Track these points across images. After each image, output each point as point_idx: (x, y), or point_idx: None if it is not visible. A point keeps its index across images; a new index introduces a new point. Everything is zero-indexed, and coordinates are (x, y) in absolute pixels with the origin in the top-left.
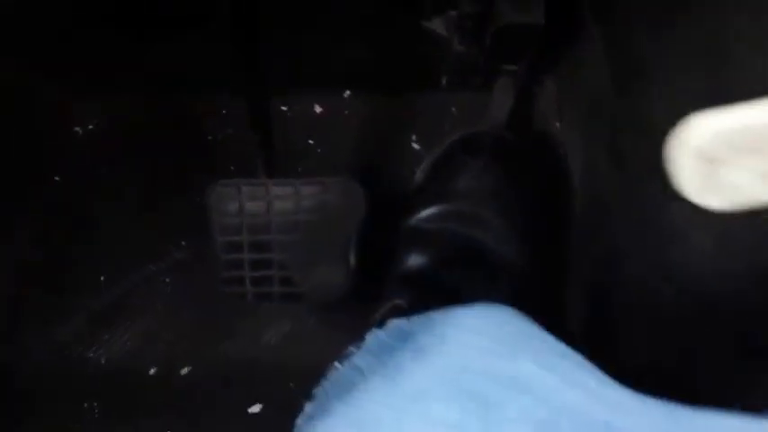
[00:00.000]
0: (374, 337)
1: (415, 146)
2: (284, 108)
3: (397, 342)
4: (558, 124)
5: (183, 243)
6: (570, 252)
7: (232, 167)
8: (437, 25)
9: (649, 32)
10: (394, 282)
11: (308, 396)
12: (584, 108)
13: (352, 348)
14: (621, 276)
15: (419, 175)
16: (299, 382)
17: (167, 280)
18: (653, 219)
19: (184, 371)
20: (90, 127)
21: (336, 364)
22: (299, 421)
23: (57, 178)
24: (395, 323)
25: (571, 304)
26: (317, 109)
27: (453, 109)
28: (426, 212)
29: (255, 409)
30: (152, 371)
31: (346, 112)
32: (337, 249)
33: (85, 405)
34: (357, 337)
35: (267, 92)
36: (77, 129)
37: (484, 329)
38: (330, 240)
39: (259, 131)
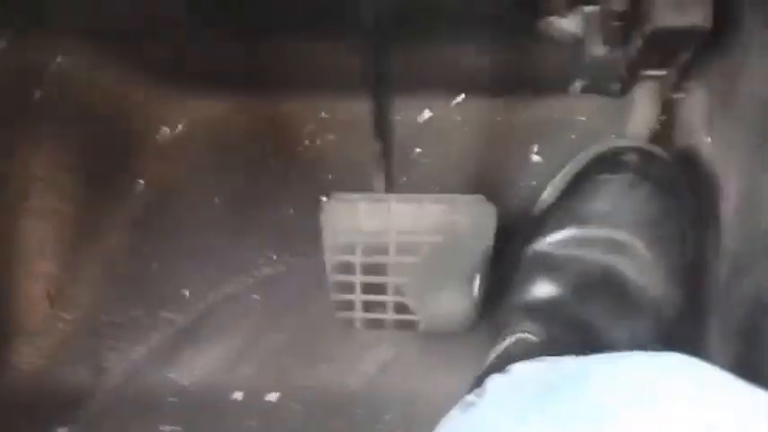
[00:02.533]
0: (501, 384)
1: (536, 158)
2: None
3: (532, 395)
4: (708, 140)
5: (274, 257)
6: (716, 294)
7: (330, 177)
8: (571, 24)
9: None
10: (516, 313)
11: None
12: (746, 123)
13: (471, 396)
14: None
15: (549, 192)
16: (397, 414)
17: (256, 297)
18: None
19: (272, 397)
20: (179, 129)
21: (453, 412)
22: None
23: (141, 181)
24: (526, 369)
25: (716, 348)
26: (427, 114)
27: (582, 118)
28: (558, 236)
29: None
30: (237, 395)
31: (459, 118)
32: (461, 276)
33: (168, 429)
34: (468, 372)
35: (391, 95)
36: (166, 130)
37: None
38: (454, 265)
39: (381, 139)
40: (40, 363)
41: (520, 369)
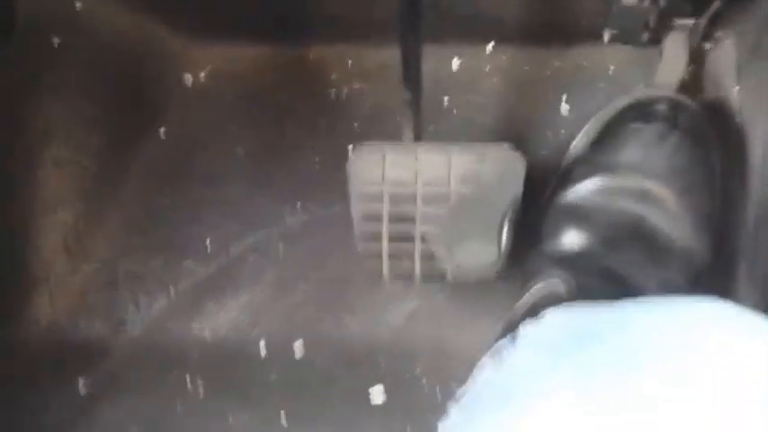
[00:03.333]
0: (533, 330)
1: (565, 108)
2: None
3: (566, 340)
4: (735, 90)
5: (299, 207)
6: (744, 240)
7: (356, 126)
8: None
9: None
10: (544, 262)
11: (434, 383)
12: None
13: (503, 342)
14: None
15: (578, 142)
16: (426, 366)
17: (281, 247)
18: None
19: (298, 348)
20: (202, 76)
21: (485, 360)
22: (440, 426)
23: (163, 130)
24: (560, 315)
25: (743, 297)
26: (456, 64)
27: (611, 67)
28: (587, 186)
29: (377, 392)
30: (262, 347)
31: (487, 68)
32: (489, 226)
33: (188, 383)
34: (496, 321)
35: (421, 42)
36: (188, 77)
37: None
38: (482, 215)
39: (410, 88)
40: (60, 314)
41: (553, 314)
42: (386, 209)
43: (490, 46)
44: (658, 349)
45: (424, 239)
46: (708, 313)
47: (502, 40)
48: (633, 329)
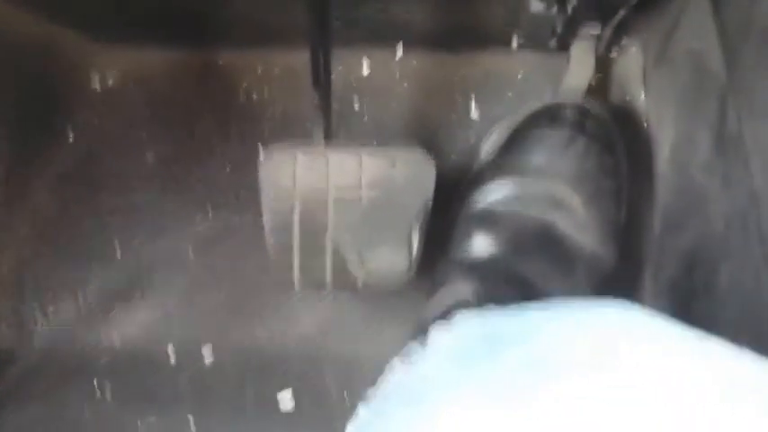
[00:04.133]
0: (444, 334)
1: (474, 113)
2: None
3: (477, 344)
4: (642, 97)
5: (210, 213)
6: (650, 246)
7: (266, 132)
8: None
9: None
10: (454, 269)
11: (342, 390)
12: (680, 79)
13: (413, 345)
14: (715, 276)
15: (487, 147)
16: (337, 373)
17: (191, 255)
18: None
19: (208, 356)
20: (110, 81)
21: (396, 362)
22: (350, 426)
23: (71, 135)
24: (470, 319)
25: (649, 302)
26: (366, 69)
27: (519, 74)
28: (496, 190)
29: (286, 399)
30: (171, 354)
31: (398, 73)
32: (400, 231)
33: (97, 389)
34: (407, 327)
35: (331, 45)
36: (96, 82)
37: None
38: (393, 220)
39: (319, 90)
40: None
41: (464, 319)
42: (297, 217)
43: (400, 50)
44: (568, 354)
45: (335, 247)
46: (617, 317)
47: (412, 44)
48: (543, 334)
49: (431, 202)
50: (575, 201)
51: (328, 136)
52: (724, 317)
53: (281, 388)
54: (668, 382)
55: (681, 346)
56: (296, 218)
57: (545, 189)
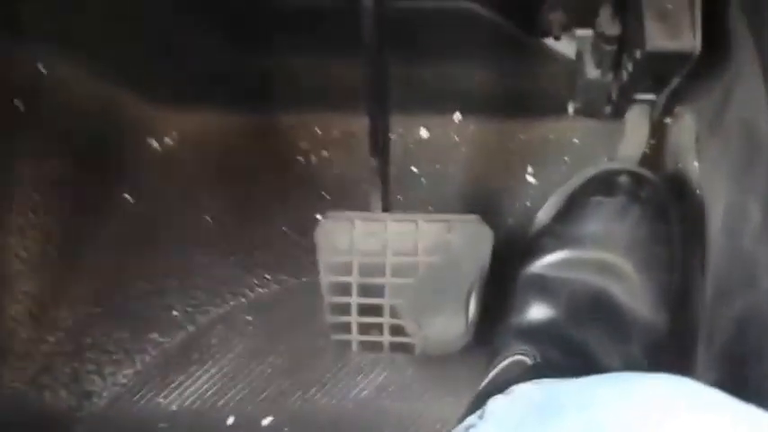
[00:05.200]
0: (502, 405)
1: (531, 179)
2: None
3: (534, 415)
4: (695, 164)
5: (268, 277)
6: (702, 314)
7: (325, 195)
8: (565, 47)
9: None
10: (511, 334)
11: None
12: (732, 148)
13: (473, 418)
14: (764, 346)
15: (543, 214)
16: None
17: (249, 318)
18: None
19: (266, 421)
20: (168, 143)
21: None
22: None
23: (129, 196)
24: (528, 390)
25: (702, 370)
26: (424, 133)
27: (575, 140)
28: (551, 257)
29: None
30: (230, 420)
31: (456, 138)
32: (457, 297)
33: None
34: (464, 394)
35: (389, 112)
36: (155, 144)
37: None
38: (450, 286)
39: (378, 157)
40: (24, 386)
41: (522, 389)
42: (355, 280)
43: (458, 116)
44: (619, 426)
45: (393, 311)
46: (667, 390)
47: (469, 111)
48: (595, 405)
49: (487, 268)
50: (628, 267)
51: (386, 202)
52: None
53: None
54: None
55: (725, 417)
56: (354, 279)
57: (599, 256)
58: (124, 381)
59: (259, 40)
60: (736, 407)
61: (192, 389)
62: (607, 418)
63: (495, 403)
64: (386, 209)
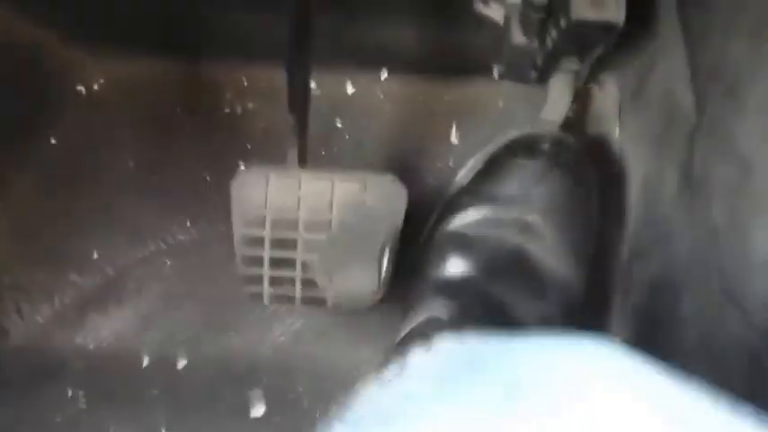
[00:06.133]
0: (423, 359)
1: (454, 139)
2: (312, 85)
3: (456, 371)
4: (617, 131)
5: (188, 223)
6: (617, 275)
7: (248, 146)
8: (494, 12)
9: (751, 44)
10: (428, 288)
11: (314, 401)
12: (652, 117)
13: (390, 365)
14: (677, 305)
15: (464, 173)
16: (309, 385)
17: (168, 262)
18: (729, 250)
19: (181, 363)
20: (94, 88)
21: (371, 379)
22: None
23: (53, 140)
24: (449, 346)
25: (615, 327)
26: (350, 89)
27: (500, 103)
28: (471, 215)
29: (258, 409)
30: (145, 360)
31: (381, 95)
32: (370, 253)
33: (70, 394)
34: (377, 346)
35: (309, 70)
36: (80, 88)
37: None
38: (363, 243)
39: (296, 113)
40: None
41: (443, 344)
42: (267, 234)
43: (384, 74)
44: (543, 390)
45: (304, 266)
46: (592, 355)
47: (396, 69)
48: (523, 366)
49: (401, 227)
50: (547, 229)
51: (303, 157)
52: (683, 345)
53: (253, 396)
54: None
55: (642, 404)
56: (266, 233)
57: (518, 216)
58: (41, 320)
59: None
60: (657, 389)
61: (107, 330)
62: (529, 376)
63: (416, 357)
64: (303, 163)
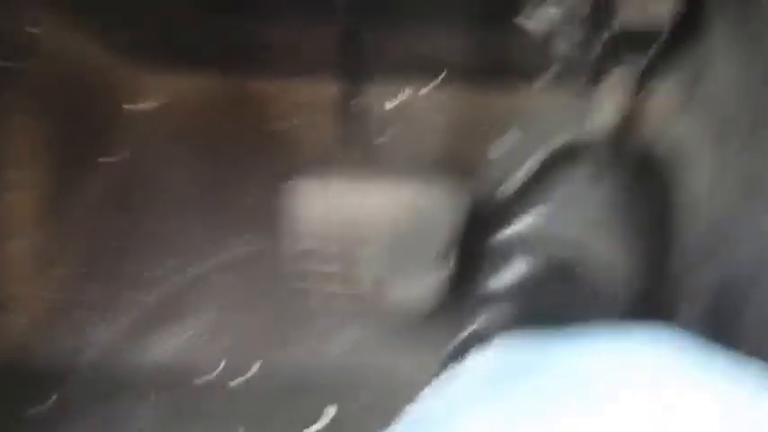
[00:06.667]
0: (480, 359)
1: (503, 148)
2: (361, 97)
3: (515, 369)
4: (668, 136)
5: (244, 238)
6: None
7: (300, 159)
8: (537, 22)
9: None
10: (482, 296)
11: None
12: (706, 122)
13: (449, 372)
14: (741, 310)
15: (511, 183)
16: (372, 394)
17: (222, 279)
18: None
19: (244, 377)
20: (146, 106)
21: (425, 392)
22: None
23: (112, 159)
24: (505, 348)
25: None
26: (397, 100)
27: (547, 111)
28: (522, 224)
29: (324, 420)
30: (209, 375)
31: (429, 105)
32: (425, 261)
33: (139, 411)
34: (437, 352)
35: (361, 82)
36: (132, 107)
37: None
38: (418, 251)
39: (346, 126)
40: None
41: (496, 346)
42: (324, 244)
43: (431, 85)
44: (611, 384)
45: (360, 277)
46: (665, 348)
47: (444, 78)
48: (584, 361)
49: (455, 235)
50: (600, 237)
51: (356, 168)
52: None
53: (320, 406)
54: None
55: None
56: (323, 244)
57: (570, 223)
58: (107, 338)
59: (232, 5)
60: (729, 389)
61: (171, 346)
62: (594, 377)
63: (471, 359)
64: (356, 174)
